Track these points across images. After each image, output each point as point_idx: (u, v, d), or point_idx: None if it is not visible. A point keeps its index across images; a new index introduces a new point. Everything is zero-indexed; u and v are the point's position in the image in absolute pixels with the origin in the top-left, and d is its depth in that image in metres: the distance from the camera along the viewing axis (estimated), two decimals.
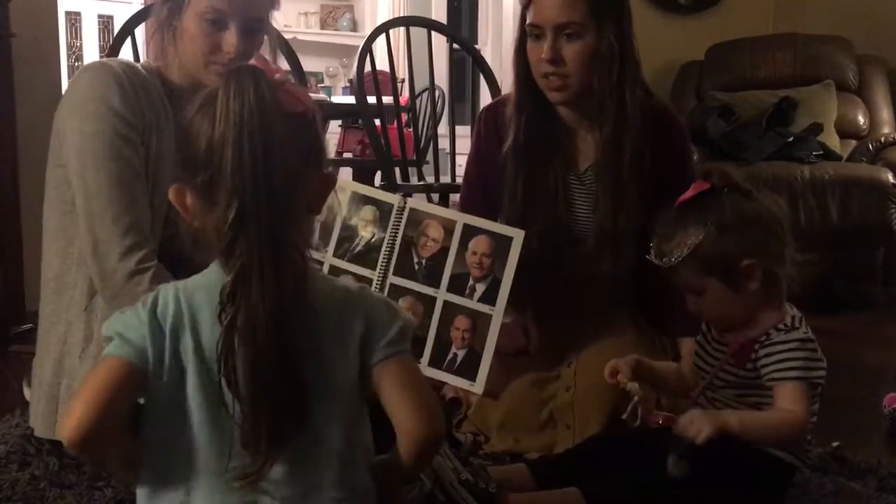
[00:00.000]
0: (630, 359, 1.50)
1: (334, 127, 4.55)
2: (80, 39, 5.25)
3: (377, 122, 2.89)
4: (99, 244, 1.55)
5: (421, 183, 2.94)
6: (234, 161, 0.94)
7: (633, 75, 1.77)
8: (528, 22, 1.78)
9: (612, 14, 1.74)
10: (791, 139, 3.63)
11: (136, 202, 1.57)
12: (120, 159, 1.55)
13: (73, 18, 5.21)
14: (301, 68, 2.53)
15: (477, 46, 5.51)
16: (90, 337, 1.59)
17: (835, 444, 1.79)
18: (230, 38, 1.58)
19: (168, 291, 1.03)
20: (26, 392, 1.88)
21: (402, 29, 3.02)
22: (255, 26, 1.62)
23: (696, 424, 1.34)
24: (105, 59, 1.72)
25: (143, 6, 3.43)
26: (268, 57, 1.67)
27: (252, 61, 1.02)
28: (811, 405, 1.39)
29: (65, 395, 1.62)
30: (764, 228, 1.40)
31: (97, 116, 1.56)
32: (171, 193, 1.03)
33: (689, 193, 1.43)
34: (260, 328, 0.95)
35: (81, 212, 1.57)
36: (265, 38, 1.67)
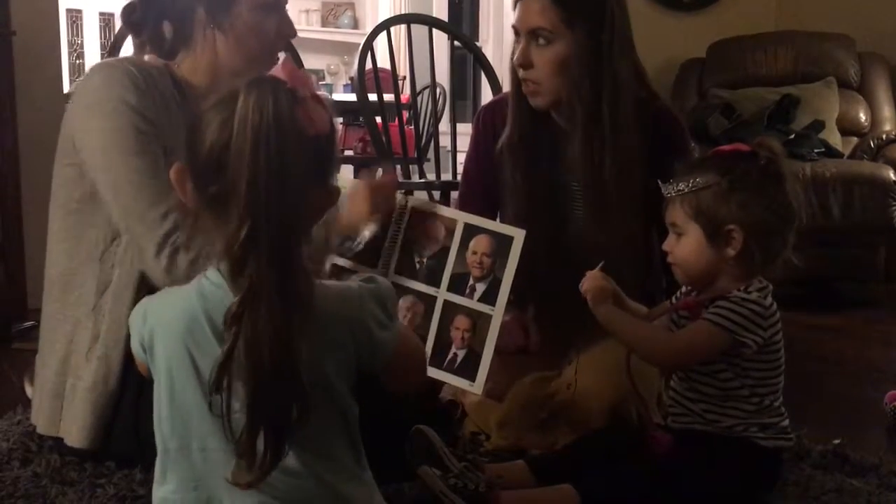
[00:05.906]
0: (607, 285, 1.53)
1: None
2: (81, 37, 5.22)
3: (378, 119, 2.89)
4: (136, 239, 1.52)
5: (422, 180, 2.94)
6: (249, 180, 0.92)
7: (615, 87, 1.72)
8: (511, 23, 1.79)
9: (588, 24, 1.71)
10: (792, 136, 3.63)
11: (167, 190, 1.54)
12: (146, 153, 1.53)
13: (74, 16, 5.19)
14: (302, 66, 2.53)
15: (478, 44, 5.51)
16: (97, 336, 1.57)
17: (836, 441, 1.78)
18: (288, 18, 1.63)
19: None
20: (28, 389, 1.89)
21: (404, 26, 3.01)
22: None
23: (588, 291, 1.48)
24: (113, 59, 1.70)
25: None
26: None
27: (281, 65, 1.01)
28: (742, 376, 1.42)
29: (70, 394, 1.60)
30: (772, 216, 1.42)
31: (117, 114, 1.53)
32: (173, 172, 1.02)
33: (727, 147, 1.46)
34: (265, 350, 0.94)
35: (114, 210, 1.54)
36: None
